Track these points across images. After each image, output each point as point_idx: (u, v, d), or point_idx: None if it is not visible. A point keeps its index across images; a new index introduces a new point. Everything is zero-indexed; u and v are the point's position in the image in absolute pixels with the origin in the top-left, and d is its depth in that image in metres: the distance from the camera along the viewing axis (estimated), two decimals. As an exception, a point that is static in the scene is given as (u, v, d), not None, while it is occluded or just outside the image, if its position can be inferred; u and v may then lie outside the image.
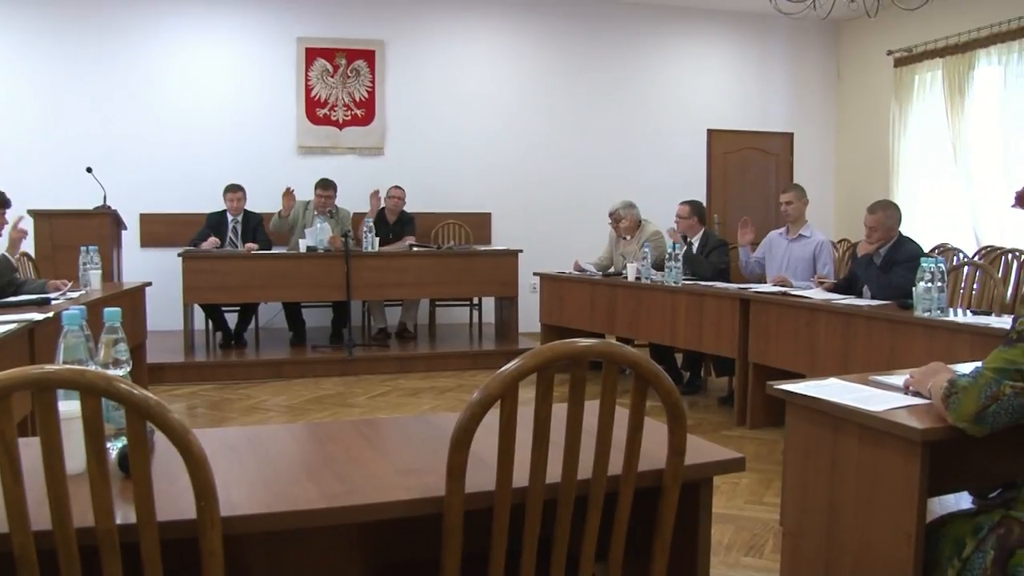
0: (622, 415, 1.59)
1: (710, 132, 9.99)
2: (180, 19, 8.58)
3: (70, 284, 5.41)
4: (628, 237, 7.31)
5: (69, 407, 1.46)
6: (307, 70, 8.89)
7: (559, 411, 1.53)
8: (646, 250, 6.63)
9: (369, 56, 9.03)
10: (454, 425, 1.48)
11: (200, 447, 1.33)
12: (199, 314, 7.74)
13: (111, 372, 1.71)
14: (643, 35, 9.70)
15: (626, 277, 6.69)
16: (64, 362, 1.73)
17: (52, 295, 5.01)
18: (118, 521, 1.33)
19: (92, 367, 1.73)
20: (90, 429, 1.30)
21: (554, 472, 1.53)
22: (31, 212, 6.60)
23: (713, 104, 10.01)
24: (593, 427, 1.55)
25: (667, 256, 6.26)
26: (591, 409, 1.54)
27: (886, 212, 5.05)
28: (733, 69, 10.10)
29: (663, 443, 1.64)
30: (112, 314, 1.75)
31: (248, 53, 8.77)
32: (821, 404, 2.27)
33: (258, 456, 1.79)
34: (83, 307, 1.79)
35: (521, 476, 1.52)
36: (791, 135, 10.30)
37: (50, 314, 4.29)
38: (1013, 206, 2.33)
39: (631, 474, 1.59)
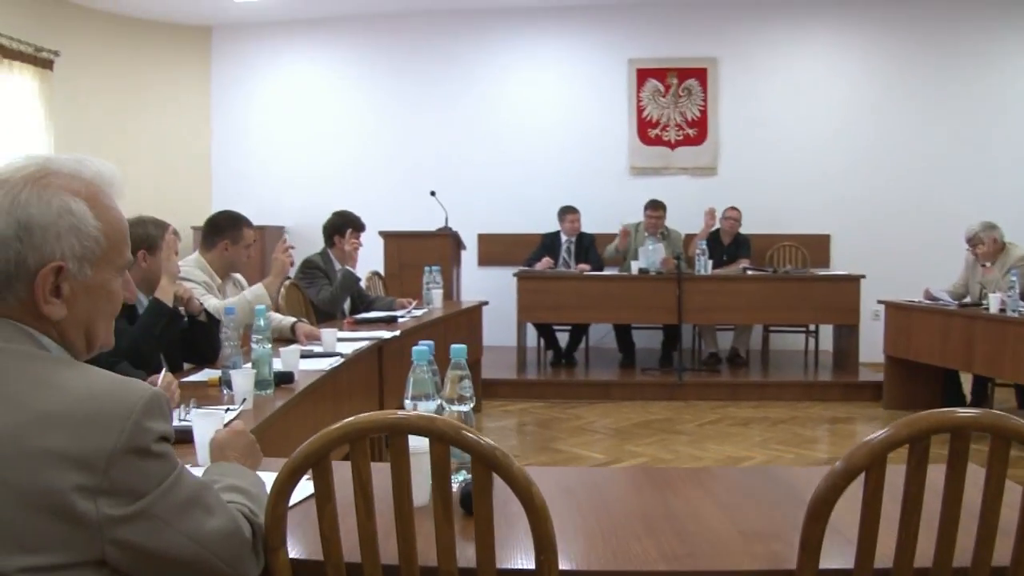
0: (1011, 495, 1.37)
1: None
2: (513, 45, 8.97)
3: (415, 303, 5.81)
4: (989, 263, 6.59)
5: (415, 442, 1.50)
6: (638, 91, 8.92)
7: (931, 483, 1.34)
8: (1013, 278, 5.92)
9: (701, 75, 8.89)
10: (811, 493, 1.35)
11: (543, 500, 1.30)
12: (532, 332, 7.98)
13: (456, 408, 1.77)
14: (1002, 28, 8.59)
15: (987, 308, 6.03)
16: (413, 395, 1.82)
17: (399, 313, 5.44)
18: (459, 564, 1.33)
19: (438, 402, 1.79)
20: (437, 473, 1.32)
21: (923, 555, 1.35)
22: (381, 234, 7.16)
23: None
24: (973, 506, 1.35)
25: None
26: (971, 483, 1.34)
27: None
28: None
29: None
30: (458, 351, 1.80)
31: (580, 76, 8.96)
32: None
33: (595, 502, 1.75)
34: (431, 343, 1.85)
35: (883, 556, 1.35)
36: None
37: (396, 332, 4.66)
38: None
39: (1022, 566, 1.37)
